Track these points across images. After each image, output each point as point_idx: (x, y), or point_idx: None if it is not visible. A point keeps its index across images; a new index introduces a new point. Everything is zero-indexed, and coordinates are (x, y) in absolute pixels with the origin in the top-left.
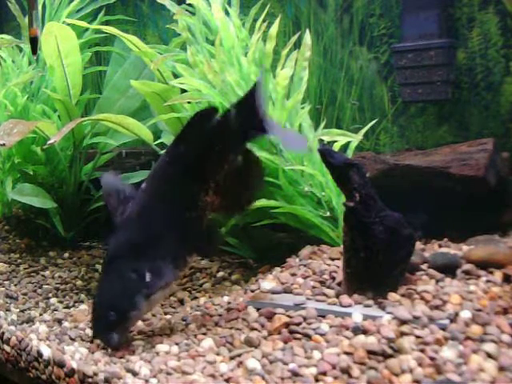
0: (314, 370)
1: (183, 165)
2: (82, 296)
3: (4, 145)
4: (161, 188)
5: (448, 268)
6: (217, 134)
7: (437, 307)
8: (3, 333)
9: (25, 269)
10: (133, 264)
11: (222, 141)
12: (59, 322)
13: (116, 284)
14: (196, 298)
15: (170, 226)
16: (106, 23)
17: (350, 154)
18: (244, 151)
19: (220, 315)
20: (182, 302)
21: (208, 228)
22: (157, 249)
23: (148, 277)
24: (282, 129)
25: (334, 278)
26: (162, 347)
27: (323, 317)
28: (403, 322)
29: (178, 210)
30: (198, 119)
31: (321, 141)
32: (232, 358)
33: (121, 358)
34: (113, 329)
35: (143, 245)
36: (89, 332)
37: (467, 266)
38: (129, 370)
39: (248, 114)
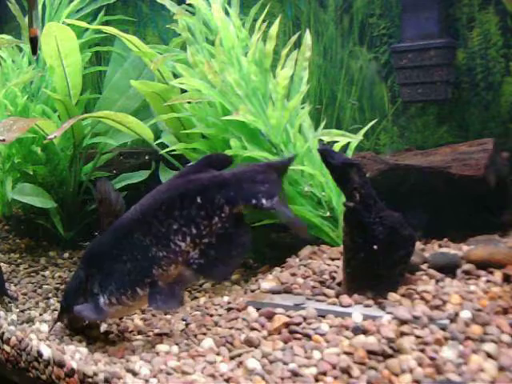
0: (314, 370)
1: (166, 203)
2: None
3: (4, 140)
4: (140, 217)
5: (448, 268)
6: (202, 191)
7: (437, 307)
8: (3, 333)
9: (25, 269)
10: (92, 272)
11: (207, 199)
12: None
13: (75, 280)
14: (196, 297)
15: (133, 254)
16: (106, 23)
17: (350, 154)
18: (234, 218)
19: (220, 315)
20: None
21: (171, 284)
22: (114, 270)
23: (96, 288)
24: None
25: (334, 278)
26: (161, 347)
27: (323, 317)
28: (403, 322)
29: (147, 243)
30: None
31: (321, 141)
32: (232, 358)
33: (121, 357)
34: (62, 312)
35: (106, 261)
36: (87, 332)
37: (467, 266)
38: (129, 370)
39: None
